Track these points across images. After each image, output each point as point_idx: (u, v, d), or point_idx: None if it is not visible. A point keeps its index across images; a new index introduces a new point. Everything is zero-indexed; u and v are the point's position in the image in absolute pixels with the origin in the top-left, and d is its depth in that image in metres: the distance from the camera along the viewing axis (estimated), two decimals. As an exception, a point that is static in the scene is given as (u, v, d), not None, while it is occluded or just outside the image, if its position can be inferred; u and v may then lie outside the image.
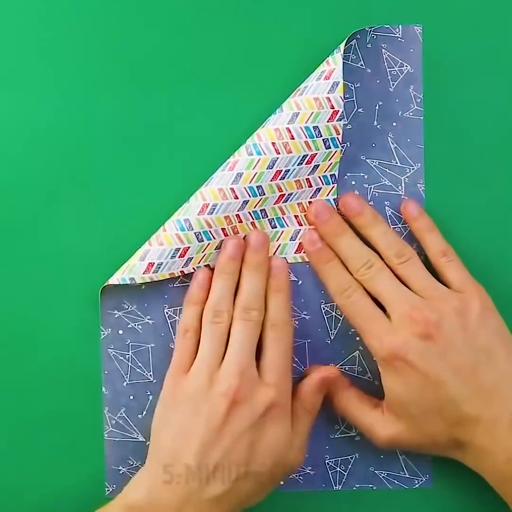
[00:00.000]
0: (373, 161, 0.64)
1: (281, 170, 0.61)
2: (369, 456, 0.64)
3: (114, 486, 0.63)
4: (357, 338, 0.64)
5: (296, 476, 0.64)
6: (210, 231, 0.61)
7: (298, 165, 0.61)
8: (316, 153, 0.61)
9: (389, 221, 0.64)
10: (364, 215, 0.62)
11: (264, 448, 0.59)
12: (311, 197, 0.63)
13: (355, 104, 0.64)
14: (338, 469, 0.64)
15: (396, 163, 0.64)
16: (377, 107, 0.64)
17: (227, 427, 0.58)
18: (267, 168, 0.61)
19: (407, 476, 0.64)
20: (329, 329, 0.64)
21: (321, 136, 0.61)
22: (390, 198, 0.64)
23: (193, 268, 0.62)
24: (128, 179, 0.63)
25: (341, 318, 0.64)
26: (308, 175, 0.62)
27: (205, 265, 0.62)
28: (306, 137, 0.60)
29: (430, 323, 0.59)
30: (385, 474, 0.64)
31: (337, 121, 0.60)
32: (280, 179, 0.61)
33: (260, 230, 0.62)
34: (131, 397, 0.63)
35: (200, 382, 0.59)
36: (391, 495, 0.64)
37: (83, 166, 0.63)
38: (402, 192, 0.64)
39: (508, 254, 0.64)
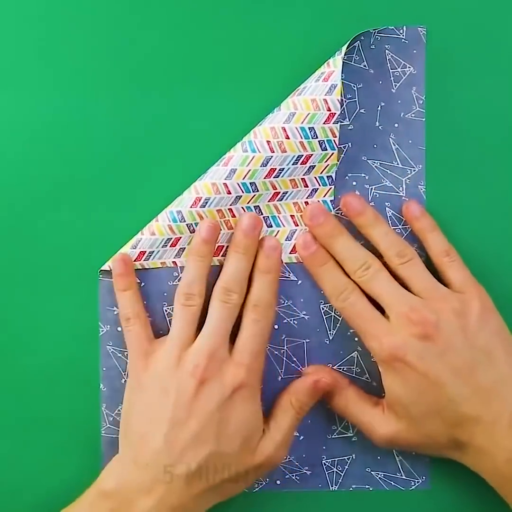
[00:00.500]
0: (375, 162, 0.64)
1: (275, 169, 0.61)
2: (366, 457, 0.64)
3: (111, 483, 0.63)
4: (356, 339, 0.64)
5: (293, 476, 0.64)
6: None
7: (293, 164, 0.61)
8: (312, 154, 0.61)
9: (390, 222, 0.64)
10: (366, 215, 0.62)
11: (233, 428, 0.59)
12: (307, 198, 0.63)
13: (357, 104, 0.63)
14: (334, 469, 0.64)
15: (398, 164, 0.64)
16: (379, 108, 0.64)
17: (196, 407, 0.58)
18: (260, 166, 0.61)
19: (404, 477, 0.64)
20: (328, 330, 0.64)
21: (316, 137, 0.60)
22: (391, 199, 0.64)
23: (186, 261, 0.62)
24: (127, 179, 0.63)
25: (340, 319, 0.64)
26: (304, 175, 0.62)
27: None
28: (301, 138, 0.60)
29: (429, 324, 0.59)
30: (382, 475, 0.64)
31: (333, 123, 0.60)
32: (274, 177, 0.61)
33: (253, 213, 0.62)
34: (129, 395, 0.63)
35: (168, 362, 0.59)
36: (387, 496, 0.64)
37: (81, 165, 0.63)
38: (403, 193, 0.64)
39: (508, 256, 0.64)
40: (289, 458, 0.64)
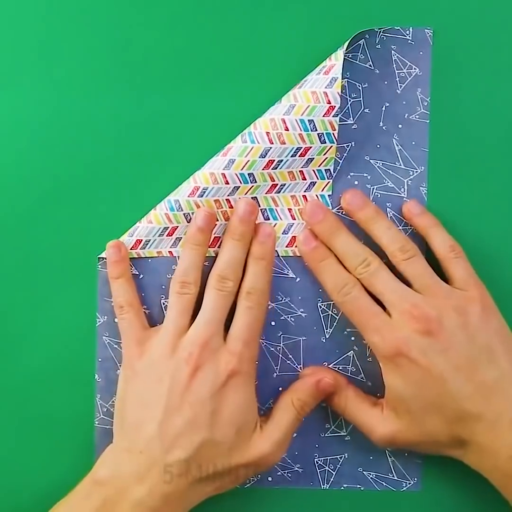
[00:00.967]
0: (377, 162, 0.64)
1: (274, 160, 0.61)
2: (358, 457, 0.64)
3: (102, 473, 0.63)
4: (352, 338, 0.64)
5: (284, 473, 0.64)
6: None
7: (291, 156, 0.61)
8: (311, 147, 0.61)
9: (390, 223, 0.64)
10: (367, 210, 0.62)
11: (226, 416, 0.59)
12: (305, 191, 0.63)
13: (362, 104, 0.64)
14: (326, 468, 0.64)
15: (400, 165, 0.64)
16: (383, 108, 0.64)
17: (189, 394, 0.58)
18: (259, 157, 0.61)
19: (396, 478, 0.64)
20: (324, 328, 0.64)
21: (316, 130, 0.61)
22: (392, 199, 0.64)
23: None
24: (126, 172, 0.63)
25: (337, 318, 0.64)
26: (302, 167, 0.62)
27: None
28: (301, 130, 0.60)
29: (431, 320, 0.59)
30: (374, 475, 0.64)
31: (333, 116, 0.60)
32: (272, 169, 0.61)
33: (250, 200, 0.62)
34: (124, 386, 0.63)
35: (163, 350, 0.59)
36: (378, 496, 0.64)
37: (81, 158, 0.63)
38: (404, 194, 0.64)
39: (510, 258, 0.64)
40: (281, 455, 0.64)
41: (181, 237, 0.62)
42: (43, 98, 0.63)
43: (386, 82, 0.64)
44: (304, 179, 0.63)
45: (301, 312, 0.64)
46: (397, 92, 0.64)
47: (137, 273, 0.63)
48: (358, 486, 0.64)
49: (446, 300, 0.59)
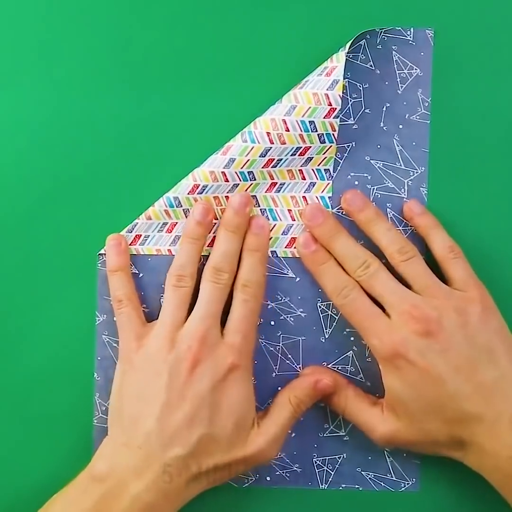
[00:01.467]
0: (377, 162, 0.64)
1: (274, 159, 0.61)
2: (357, 457, 0.64)
3: (101, 472, 0.63)
4: (352, 338, 0.64)
5: (283, 473, 0.64)
6: None
7: (291, 155, 0.62)
8: (310, 146, 0.61)
9: (390, 222, 0.64)
10: (367, 211, 0.62)
11: (225, 410, 0.59)
12: (305, 192, 0.63)
13: (363, 104, 0.64)
14: (325, 468, 0.64)
15: (400, 165, 0.64)
16: (384, 109, 0.64)
17: (188, 388, 0.58)
18: (259, 156, 0.61)
19: (394, 478, 0.64)
20: (324, 328, 0.64)
21: (316, 131, 0.61)
22: (393, 200, 0.64)
23: None
24: (125, 177, 0.63)
25: (337, 318, 0.64)
26: (301, 166, 0.62)
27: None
28: (301, 131, 0.60)
29: (431, 321, 0.59)
30: (372, 476, 0.64)
31: (333, 118, 0.60)
32: (272, 167, 0.62)
33: (245, 192, 0.62)
34: (123, 385, 0.63)
35: (161, 344, 0.59)
36: (377, 496, 0.64)
37: (80, 163, 0.63)
38: (405, 195, 0.64)
39: (510, 258, 0.64)
40: (280, 455, 0.64)
41: (180, 235, 0.62)
42: (43, 97, 0.63)
43: (387, 83, 0.64)
44: (304, 179, 0.63)
45: (300, 312, 0.64)
46: (398, 92, 0.64)
47: (137, 272, 0.63)
48: (357, 486, 0.64)
49: (445, 301, 0.59)
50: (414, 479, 0.64)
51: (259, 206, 0.63)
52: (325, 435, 0.64)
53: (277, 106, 0.61)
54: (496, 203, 0.64)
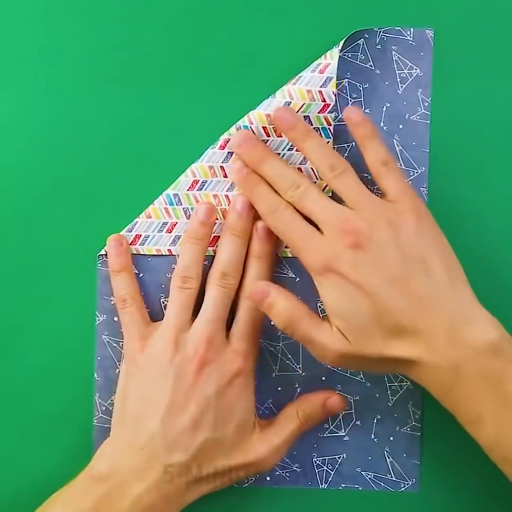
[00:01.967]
0: (378, 163, 0.64)
1: None
2: (356, 457, 0.64)
3: (101, 472, 0.64)
4: (352, 338, 0.64)
5: (283, 473, 0.64)
6: None
7: (288, 150, 0.62)
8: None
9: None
10: (297, 129, 0.60)
11: (228, 414, 0.59)
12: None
13: (363, 104, 0.64)
14: (325, 468, 0.64)
15: (401, 165, 0.64)
16: (384, 109, 0.64)
17: (194, 392, 0.58)
18: None
19: (394, 479, 0.64)
20: (324, 328, 0.64)
21: (312, 125, 0.61)
22: (393, 200, 0.64)
23: None
24: (125, 177, 0.63)
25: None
26: (300, 164, 0.62)
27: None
28: None
29: (361, 234, 0.57)
30: (372, 476, 0.64)
31: (328, 113, 0.61)
32: None
33: (246, 197, 0.62)
34: (123, 385, 0.63)
35: (165, 346, 0.59)
36: (377, 496, 0.64)
37: (79, 162, 0.63)
38: (405, 195, 0.64)
39: (510, 259, 0.64)
40: (279, 455, 0.64)
41: (180, 235, 0.62)
42: (43, 97, 0.63)
43: (387, 83, 0.64)
44: (304, 177, 0.63)
45: (300, 312, 0.64)
46: (398, 92, 0.64)
47: (137, 272, 0.63)
48: (357, 486, 0.64)
49: (377, 213, 0.58)
50: (414, 479, 0.64)
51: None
52: (325, 435, 0.64)
53: (271, 101, 0.61)
54: (496, 203, 0.64)
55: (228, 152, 0.62)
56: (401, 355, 0.57)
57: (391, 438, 0.64)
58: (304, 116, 0.61)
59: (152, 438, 0.58)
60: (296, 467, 0.64)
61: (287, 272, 0.64)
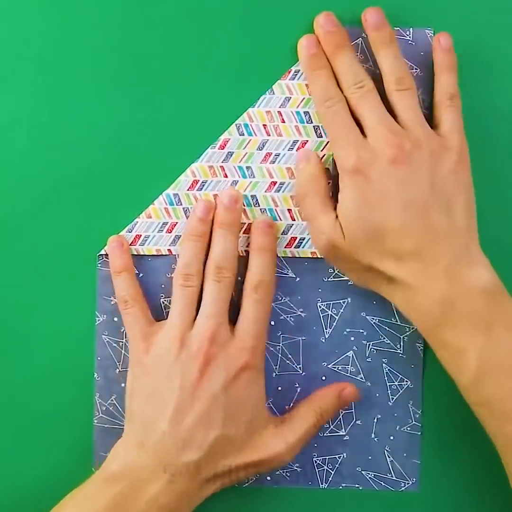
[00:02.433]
0: (377, 162, 0.64)
1: (271, 153, 0.62)
2: (357, 456, 0.64)
3: (102, 472, 0.64)
4: (352, 338, 0.64)
5: (283, 472, 0.64)
6: None
7: (288, 150, 0.62)
8: (307, 141, 0.62)
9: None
10: (382, 32, 0.61)
11: (237, 411, 0.59)
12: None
13: (363, 104, 0.64)
14: (325, 467, 0.64)
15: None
16: (384, 109, 0.64)
17: (201, 389, 0.58)
18: (257, 149, 0.62)
19: (394, 478, 0.64)
20: (324, 328, 0.64)
21: (312, 122, 0.62)
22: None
23: None
24: (125, 176, 0.63)
25: (337, 318, 0.64)
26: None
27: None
28: (297, 122, 0.62)
29: (402, 150, 0.58)
30: (372, 475, 0.64)
31: None
32: (270, 163, 0.62)
33: (233, 187, 0.62)
34: (123, 385, 0.63)
35: (171, 345, 0.59)
36: (377, 496, 0.64)
37: (78, 162, 0.63)
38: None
39: (510, 258, 0.64)
40: (280, 455, 0.64)
41: (180, 235, 0.63)
42: (42, 98, 0.63)
43: (386, 82, 0.64)
44: (304, 178, 0.63)
45: (300, 312, 0.64)
46: (398, 92, 0.64)
47: (137, 272, 0.63)
48: (357, 485, 0.64)
49: (425, 140, 0.59)
50: (414, 479, 0.64)
51: (259, 205, 0.63)
52: (325, 435, 0.64)
53: (270, 98, 0.62)
54: (496, 203, 0.64)
55: (228, 152, 0.62)
56: (396, 274, 0.58)
57: (391, 438, 0.64)
58: (304, 112, 0.62)
59: (163, 437, 0.58)
60: (296, 467, 0.64)
61: (287, 272, 0.64)
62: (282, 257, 0.63)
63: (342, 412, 0.64)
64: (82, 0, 0.63)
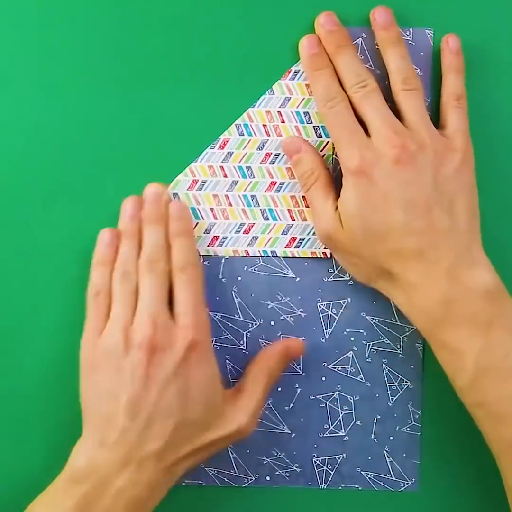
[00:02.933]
0: (377, 163, 0.64)
1: (271, 153, 0.62)
2: (356, 457, 0.64)
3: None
4: (352, 338, 0.64)
5: (282, 472, 0.64)
6: (198, 209, 0.63)
7: None
8: (307, 141, 0.62)
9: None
10: (392, 31, 0.61)
11: (193, 391, 0.59)
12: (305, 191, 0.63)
13: (363, 104, 0.64)
14: (325, 468, 0.64)
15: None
16: (384, 109, 0.64)
17: (151, 378, 0.58)
18: (256, 149, 0.62)
19: (393, 478, 0.64)
20: (324, 328, 0.64)
21: (311, 122, 0.62)
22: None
23: None
24: (125, 176, 0.63)
25: (337, 318, 0.64)
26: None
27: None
28: (297, 122, 0.62)
29: (406, 151, 0.58)
30: (372, 475, 0.64)
31: None
32: (270, 163, 0.62)
33: (156, 183, 0.62)
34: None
35: (116, 340, 0.59)
36: (376, 496, 0.64)
37: (78, 162, 0.63)
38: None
39: (510, 258, 0.64)
40: (279, 455, 0.64)
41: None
42: (42, 98, 0.63)
43: (387, 82, 0.63)
44: (304, 177, 0.63)
45: (300, 312, 0.64)
46: (398, 92, 0.64)
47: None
48: (356, 486, 0.64)
49: (429, 141, 0.59)
50: (413, 479, 0.64)
51: (259, 205, 0.63)
52: (325, 435, 0.64)
53: (270, 98, 0.62)
54: (496, 203, 0.64)
55: (228, 152, 0.62)
56: (397, 273, 0.58)
57: (391, 438, 0.64)
58: (304, 112, 0.62)
59: (123, 433, 0.58)
60: (296, 467, 0.64)
61: (287, 272, 0.64)
62: (282, 257, 0.63)
63: (342, 413, 0.64)
64: (85, 2, 0.63)
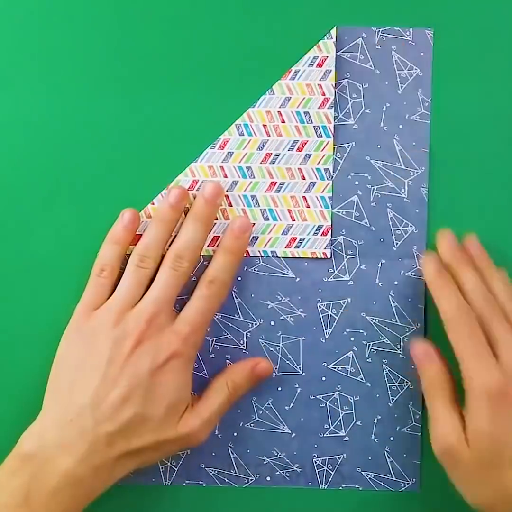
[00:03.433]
0: (378, 162, 0.64)
1: (271, 153, 0.62)
2: (357, 457, 0.64)
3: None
4: (352, 339, 0.64)
5: (283, 473, 0.64)
6: None
7: (288, 150, 0.62)
8: (307, 141, 0.62)
9: (390, 223, 0.64)
10: (488, 267, 0.61)
11: (160, 394, 0.59)
12: (305, 192, 0.63)
13: (363, 104, 0.64)
14: (325, 468, 0.64)
15: (400, 165, 0.64)
16: (384, 109, 0.64)
17: (128, 367, 0.58)
18: (257, 149, 0.62)
19: (394, 479, 0.64)
20: (324, 328, 0.64)
21: (312, 122, 0.62)
22: (393, 200, 0.64)
23: None
24: (125, 176, 0.63)
25: (337, 318, 0.64)
26: (300, 164, 0.62)
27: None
28: (297, 122, 0.62)
29: None
30: (372, 476, 0.64)
31: (328, 108, 0.62)
32: (270, 163, 0.62)
33: (217, 182, 0.62)
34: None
35: (108, 319, 0.59)
36: (377, 496, 0.64)
37: (79, 163, 0.63)
38: (405, 194, 0.64)
39: (510, 258, 0.64)
40: (280, 455, 0.64)
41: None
42: (41, 98, 0.63)
43: (386, 83, 0.64)
44: (304, 178, 0.63)
45: (300, 312, 0.64)
46: (398, 92, 0.64)
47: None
48: (357, 486, 0.64)
49: None
50: (414, 479, 0.64)
51: (259, 205, 0.63)
52: (325, 435, 0.64)
53: (270, 98, 0.62)
54: (497, 203, 0.64)
55: (228, 152, 0.62)
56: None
57: (391, 438, 0.64)
58: (305, 112, 0.62)
59: (83, 410, 0.57)
60: (296, 467, 0.64)
61: (287, 272, 0.64)
62: (282, 257, 0.63)
63: (342, 413, 0.64)
64: (85, 2, 0.63)
